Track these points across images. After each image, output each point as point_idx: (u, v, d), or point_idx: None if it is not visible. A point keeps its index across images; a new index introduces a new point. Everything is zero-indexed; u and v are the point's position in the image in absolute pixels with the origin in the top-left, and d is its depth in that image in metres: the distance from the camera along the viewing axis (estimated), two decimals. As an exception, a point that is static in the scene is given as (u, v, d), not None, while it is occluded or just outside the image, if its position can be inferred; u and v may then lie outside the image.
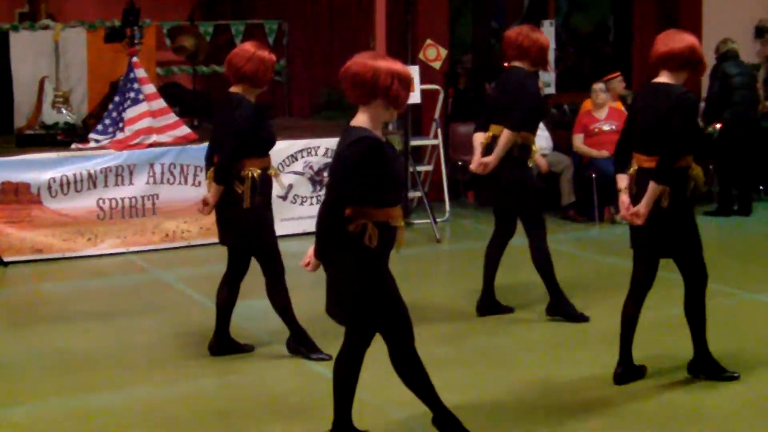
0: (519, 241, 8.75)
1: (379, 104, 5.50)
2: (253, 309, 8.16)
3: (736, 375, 7.01)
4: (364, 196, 5.47)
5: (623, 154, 7.01)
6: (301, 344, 7.61)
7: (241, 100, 7.30)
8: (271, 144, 7.50)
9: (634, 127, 6.94)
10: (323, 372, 7.22)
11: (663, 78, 6.81)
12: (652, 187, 6.66)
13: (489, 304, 8.64)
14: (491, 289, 8.64)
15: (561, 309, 8.46)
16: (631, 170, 6.90)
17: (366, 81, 5.46)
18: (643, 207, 6.71)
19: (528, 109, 8.30)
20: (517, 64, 8.43)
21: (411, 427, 6.26)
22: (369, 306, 5.58)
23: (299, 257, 7.90)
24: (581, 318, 8.41)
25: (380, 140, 5.52)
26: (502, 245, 8.63)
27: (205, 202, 7.47)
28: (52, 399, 6.86)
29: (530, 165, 8.42)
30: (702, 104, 14.30)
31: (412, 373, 5.74)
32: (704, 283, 6.91)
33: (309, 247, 5.68)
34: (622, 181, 6.94)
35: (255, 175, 7.30)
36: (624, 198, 6.89)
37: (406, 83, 5.52)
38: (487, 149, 8.41)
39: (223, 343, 7.66)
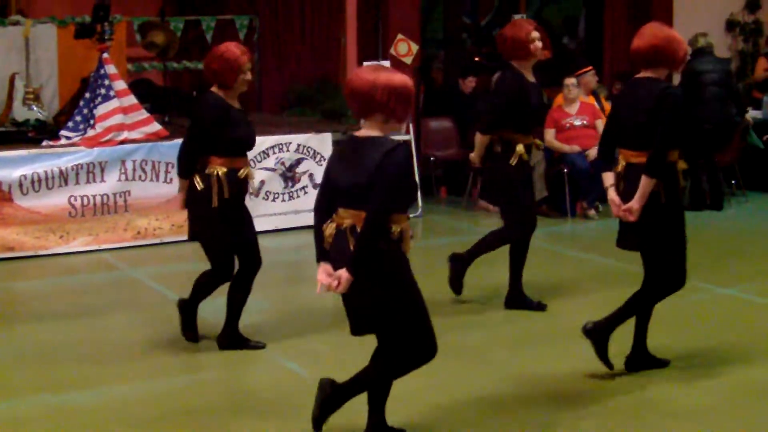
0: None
1: (379, 118, 5.47)
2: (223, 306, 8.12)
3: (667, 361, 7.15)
4: (402, 202, 5.49)
5: (607, 151, 7.01)
6: (235, 341, 7.66)
7: (206, 98, 7.34)
8: (240, 144, 7.46)
9: (618, 122, 6.93)
10: (296, 369, 7.22)
11: (644, 73, 6.82)
12: (644, 181, 6.62)
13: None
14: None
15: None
16: (619, 167, 6.87)
17: (363, 96, 5.43)
18: (635, 202, 6.66)
19: (497, 110, 8.43)
20: (513, 63, 8.51)
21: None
22: (413, 311, 5.57)
23: (271, 253, 7.96)
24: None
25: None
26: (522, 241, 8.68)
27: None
28: (25, 397, 6.82)
29: (513, 163, 8.43)
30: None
31: (381, 384, 5.77)
32: (664, 287, 6.93)
33: (321, 267, 5.55)
34: (608, 179, 6.91)
35: (220, 173, 7.31)
36: (613, 196, 6.86)
37: (405, 98, 5.44)
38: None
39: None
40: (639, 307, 6.96)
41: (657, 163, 6.62)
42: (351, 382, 5.73)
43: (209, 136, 7.32)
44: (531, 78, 8.49)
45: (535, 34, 8.37)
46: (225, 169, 7.32)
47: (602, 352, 6.95)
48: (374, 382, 5.76)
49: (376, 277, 5.45)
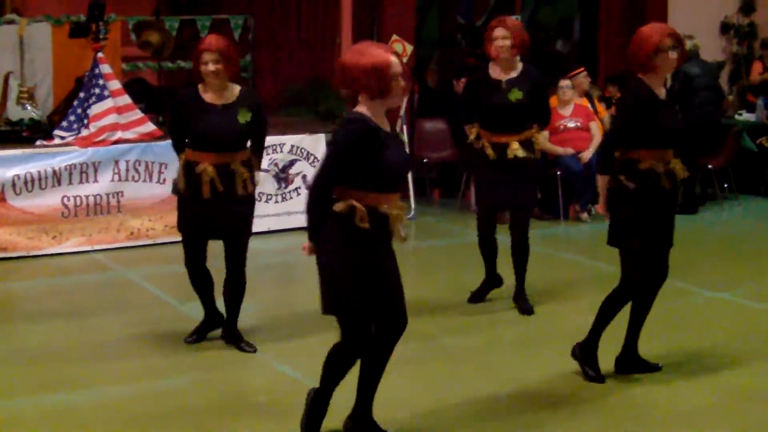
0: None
1: (365, 96, 5.51)
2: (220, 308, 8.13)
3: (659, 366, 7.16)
4: (352, 178, 5.47)
5: None
6: (233, 337, 7.72)
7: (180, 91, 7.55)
8: (197, 139, 7.36)
9: None
10: (289, 371, 7.22)
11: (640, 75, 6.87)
12: (598, 179, 6.85)
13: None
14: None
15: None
16: None
17: (338, 74, 5.55)
18: (600, 201, 6.90)
19: (463, 105, 8.86)
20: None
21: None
22: (351, 291, 5.56)
23: (263, 255, 7.95)
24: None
25: (372, 125, 5.50)
26: (512, 239, 8.74)
27: None
28: (20, 398, 6.82)
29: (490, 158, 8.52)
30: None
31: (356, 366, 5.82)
32: (626, 290, 6.92)
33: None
34: None
35: (180, 164, 7.48)
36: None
37: (378, 75, 5.42)
38: None
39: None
40: (612, 310, 6.94)
41: (603, 160, 6.80)
42: (321, 381, 5.81)
43: (178, 128, 7.51)
44: (504, 75, 8.48)
45: (498, 33, 8.36)
46: (182, 161, 7.44)
47: (593, 372, 6.99)
48: (332, 375, 5.77)
49: (322, 251, 5.57)
